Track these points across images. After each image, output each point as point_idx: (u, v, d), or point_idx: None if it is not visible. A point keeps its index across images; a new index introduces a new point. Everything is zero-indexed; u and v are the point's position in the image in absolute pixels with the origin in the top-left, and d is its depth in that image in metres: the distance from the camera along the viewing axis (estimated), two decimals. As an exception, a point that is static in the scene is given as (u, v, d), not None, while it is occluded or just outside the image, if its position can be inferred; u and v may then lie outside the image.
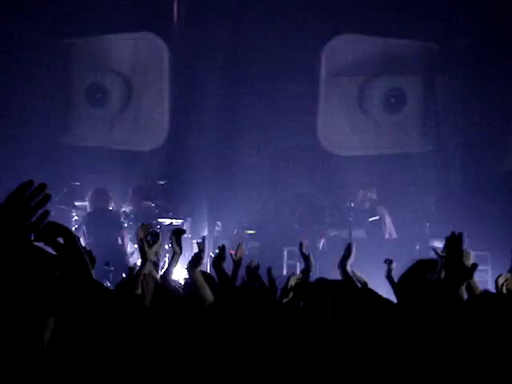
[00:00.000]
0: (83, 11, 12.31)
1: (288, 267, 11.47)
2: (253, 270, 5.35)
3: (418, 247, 11.25)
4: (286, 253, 11.73)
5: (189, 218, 12.18)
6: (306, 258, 5.61)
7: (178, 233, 5.18)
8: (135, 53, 13.41)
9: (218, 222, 11.93)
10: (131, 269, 5.01)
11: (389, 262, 5.41)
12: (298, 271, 10.93)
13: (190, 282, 4.41)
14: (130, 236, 11.17)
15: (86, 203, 11.90)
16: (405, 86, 13.10)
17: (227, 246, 5.39)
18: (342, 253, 5.52)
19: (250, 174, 12.42)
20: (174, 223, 11.91)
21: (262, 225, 12.19)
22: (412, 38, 12.80)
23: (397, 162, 12.77)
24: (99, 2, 12.28)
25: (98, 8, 12.31)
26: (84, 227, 10.99)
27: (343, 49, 13.00)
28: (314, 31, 12.40)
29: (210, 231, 12.08)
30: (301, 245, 5.76)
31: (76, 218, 11.87)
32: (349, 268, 5.32)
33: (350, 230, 11.34)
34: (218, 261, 4.94)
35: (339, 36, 12.81)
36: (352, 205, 11.63)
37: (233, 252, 5.51)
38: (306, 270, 5.47)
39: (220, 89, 12.83)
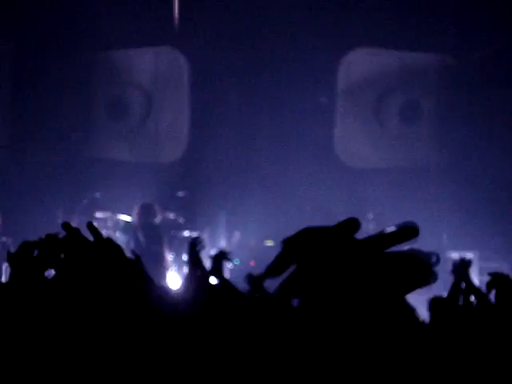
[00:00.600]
0: (104, 25, 12.47)
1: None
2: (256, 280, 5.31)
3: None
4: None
5: (207, 229, 12.29)
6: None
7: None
8: (155, 66, 13.56)
9: (237, 233, 12.03)
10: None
11: None
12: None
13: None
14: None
15: (108, 214, 12.07)
16: (421, 98, 13.15)
17: (246, 257, 5.48)
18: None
19: (268, 186, 12.50)
20: (192, 235, 12.03)
21: (281, 236, 12.23)
22: (428, 50, 12.85)
23: (413, 175, 12.80)
24: (119, 16, 12.43)
25: (119, 22, 12.47)
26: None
27: (360, 62, 13.06)
28: (331, 44, 12.47)
29: (228, 241, 12.18)
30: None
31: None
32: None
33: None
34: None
35: (356, 49, 12.88)
36: (371, 216, 11.66)
37: (252, 263, 5.59)
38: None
39: (238, 102, 12.95)
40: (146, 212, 11.42)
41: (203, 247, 5.20)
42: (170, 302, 3.83)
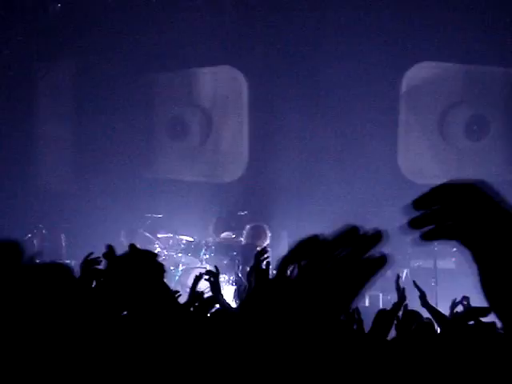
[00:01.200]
0: (164, 46, 12.56)
1: (370, 298, 11.30)
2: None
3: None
4: (367, 284, 11.54)
5: (269, 249, 12.16)
6: (399, 293, 5.34)
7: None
8: (215, 86, 13.59)
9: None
10: None
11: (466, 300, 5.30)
12: (381, 303, 10.78)
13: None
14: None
15: (169, 235, 12.09)
16: (487, 112, 12.83)
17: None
18: (426, 284, 5.39)
19: (330, 204, 12.34)
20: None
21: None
22: (494, 64, 12.55)
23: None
24: (179, 37, 12.51)
25: (178, 43, 12.55)
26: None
27: (423, 76, 12.85)
28: (394, 59, 12.31)
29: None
30: (397, 278, 5.55)
31: (159, 249, 12.04)
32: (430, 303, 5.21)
33: (435, 261, 11.09)
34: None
35: (419, 63, 12.68)
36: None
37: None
38: (398, 305, 5.21)
39: (299, 119, 12.84)
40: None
41: (268, 260, 5.04)
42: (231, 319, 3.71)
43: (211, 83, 13.58)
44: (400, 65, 12.61)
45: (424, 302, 5.34)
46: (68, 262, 10.97)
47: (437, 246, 11.27)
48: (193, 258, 11.94)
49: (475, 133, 12.86)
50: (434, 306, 5.30)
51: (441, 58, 12.58)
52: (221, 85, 13.55)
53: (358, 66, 12.35)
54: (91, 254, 4.44)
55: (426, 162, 13.00)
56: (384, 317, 4.43)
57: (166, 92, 13.75)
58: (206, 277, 5.29)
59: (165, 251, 12.05)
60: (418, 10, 12.26)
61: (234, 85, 13.45)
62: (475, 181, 1.35)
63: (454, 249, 11.54)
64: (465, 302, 5.34)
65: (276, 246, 12.39)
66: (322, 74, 12.80)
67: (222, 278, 11.38)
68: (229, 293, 11.08)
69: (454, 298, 5.71)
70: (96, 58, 13.03)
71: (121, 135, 13.06)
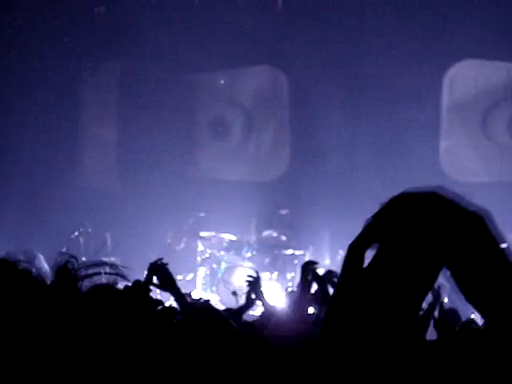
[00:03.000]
0: (205, 47, 12.67)
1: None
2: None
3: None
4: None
5: (311, 247, 12.21)
6: (434, 292, 5.20)
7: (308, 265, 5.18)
8: (256, 85, 13.66)
9: (341, 251, 11.88)
10: None
11: None
12: (424, 302, 10.77)
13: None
14: None
15: (212, 233, 12.20)
16: (530, 110, 12.72)
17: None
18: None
19: (371, 202, 12.20)
20: (295, 253, 11.99)
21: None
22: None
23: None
24: (220, 38, 12.60)
25: (219, 43, 12.65)
26: None
27: (466, 74, 12.76)
28: (436, 57, 12.25)
29: (332, 260, 12.05)
30: None
31: (202, 248, 12.15)
32: None
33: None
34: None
35: (461, 62, 12.59)
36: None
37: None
38: (433, 305, 5.18)
39: (340, 117, 12.84)
40: None
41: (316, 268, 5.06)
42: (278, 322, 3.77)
43: (252, 83, 13.66)
44: (442, 62, 12.54)
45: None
46: (113, 259, 11.16)
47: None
48: (235, 257, 12.02)
49: (518, 130, 12.73)
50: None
51: (483, 55, 12.47)
52: (262, 84, 13.62)
53: (400, 63, 12.30)
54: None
55: (468, 159, 12.90)
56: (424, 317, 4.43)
57: (207, 92, 13.88)
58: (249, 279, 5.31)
59: (208, 250, 12.15)
60: (461, 7, 12.18)
61: (274, 84, 13.51)
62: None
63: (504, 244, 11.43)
64: None
65: (318, 245, 12.43)
66: (363, 72, 12.79)
67: (264, 275, 11.46)
68: (270, 290, 11.18)
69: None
70: (139, 59, 13.20)
71: (164, 135, 13.19)
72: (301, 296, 4.96)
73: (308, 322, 4.72)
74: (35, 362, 2.07)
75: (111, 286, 2.41)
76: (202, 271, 11.99)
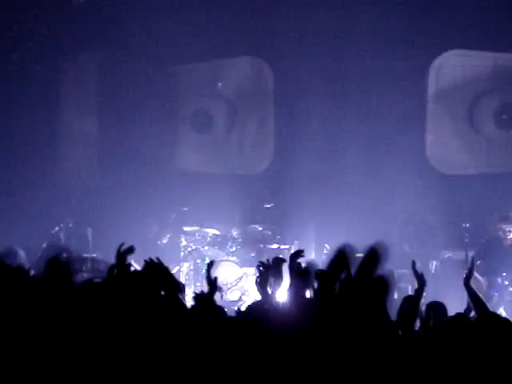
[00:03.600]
0: (187, 38, 12.52)
1: (399, 290, 11.18)
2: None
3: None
4: (396, 275, 11.44)
5: (296, 242, 12.10)
6: (418, 277, 5.26)
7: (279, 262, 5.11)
8: (239, 77, 13.53)
9: (327, 245, 11.78)
10: None
11: None
12: (410, 294, 10.65)
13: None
14: None
15: (196, 228, 12.09)
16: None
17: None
18: (456, 275, 5.29)
19: (357, 196, 12.25)
20: (281, 247, 11.88)
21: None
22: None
23: (509, 181, 12.30)
24: (202, 29, 12.46)
25: (202, 34, 12.51)
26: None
27: (452, 65, 12.72)
28: (422, 48, 12.18)
29: (318, 254, 11.95)
30: (413, 263, 5.47)
31: (185, 243, 12.03)
32: (473, 286, 5.13)
33: (467, 252, 10.93)
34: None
35: (448, 52, 12.54)
36: (467, 225, 11.25)
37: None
38: (420, 290, 5.18)
39: (324, 110, 12.74)
40: None
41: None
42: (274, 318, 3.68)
43: (235, 74, 13.53)
44: (428, 53, 12.51)
45: (467, 282, 5.24)
46: (94, 255, 10.98)
47: (467, 238, 11.14)
48: (219, 251, 11.92)
49: (504, 122, 12.68)
50: (475, 290, 5.19)
51: (469, 46, 12.44)
52: (245, 76, 13.49)
53: (385, 54, 12.24)
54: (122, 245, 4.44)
55: (454, 151, 12.86)
56: (409, 304, 4.36)
57: (190, 84, 13.73)
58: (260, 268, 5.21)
59: (191, 244, 12.03)
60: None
61: (258, 76, 13.39)
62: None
63: (487, 237, 11.37)
64: None
65: (303, 239, 12.33)
66: (348, 64, 12.69)
67: (249, 270, 11.34)
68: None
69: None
70: (120, 51, 13.04)
71: (146, 128, 13.05)
72: (293, 286, 4.89)
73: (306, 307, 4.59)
74: (37, 356, 1.97)
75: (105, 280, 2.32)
76: (186, 267, 11.87)
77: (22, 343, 2.08)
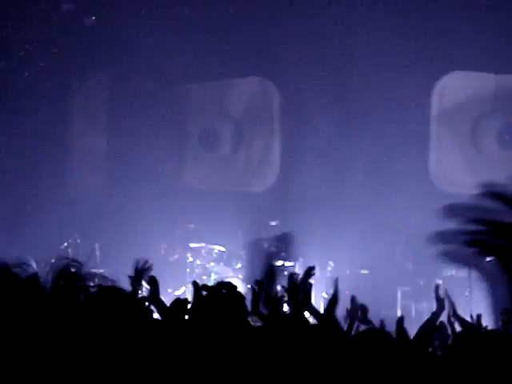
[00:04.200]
0: (194, 58, 12.67)
1: (402, 307, 11.28)
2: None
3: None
4: (399, 293, 11.54)
5: (301, 258, 12.18)
6: (440, 301, 5.27)
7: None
8: (245, 96, 13.66)
9: (330, 262, 11.87)
10: None
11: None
12: (414, 312, 10.76)
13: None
14: None
15: (202, 244, 12.17)
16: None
17: (341, 287, 5.32)
18: (460, 294, 5.36)
19: (360, 214, 12.32)
20: (285, 264, 11.96)
21: (375, 264, 12.05)
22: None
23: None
24: (210, 49, 12.60)
25: (209, 54, 12.65)
26: None
27: (455, 86, 12.80)
28: (426, 68, 12.29)
29: (322, 271, 12.03)
30: (437, 287, 5.48)
31: (191, 259, 12.11)
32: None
33: (470, 270, 11.00)
34: (333, 304, 4.91)
35: (451, 73, 12.64)
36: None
37: (348, 292, 5.45)
38: (437, 314, 5.13)
39: (329, 128, 12.86)
40: None
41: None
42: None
43: (242, 94, 13.66)
44: (431, 74, 12.58)
45: (454, 312, 5.29)
46: (102, 271, 11.07)
47: (470, 256, 11.21)
48: (225, 268, 11.99)
49: (507, 142, 12.77)
50: (463, 317, 5.24)
51: (472, 67, 12.52)
52: (251, 95, 13.62)
53: (389, 75, 12.32)
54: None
55: (457, 171, 12.92)
56: (427, 328, 4.43)
57: (197, 103, 13.87)
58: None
59: (197, 261, 12.11)
60: (450, 20, 12.24)
61: (264, 95, 13.51)
62: None
63: (489, 258, 11.46)
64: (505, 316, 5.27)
65: (308, 256, 12.41)
66: (352, 84, 12.81)
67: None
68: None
69: (488, 308, 5.63)
70: (129, 70, 13.18)
71: (154, 146, 13.18)
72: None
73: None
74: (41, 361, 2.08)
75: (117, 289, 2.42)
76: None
77: (28, 350, 2.19)
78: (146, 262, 4.69)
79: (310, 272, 5.05)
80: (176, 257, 12.23)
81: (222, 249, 12.24)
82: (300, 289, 4.79)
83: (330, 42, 12.66)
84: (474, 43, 12.02)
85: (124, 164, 13.33)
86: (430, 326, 4.71)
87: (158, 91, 13.30)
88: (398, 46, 12.23)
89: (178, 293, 11.81)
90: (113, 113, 13.82)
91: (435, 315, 5.09)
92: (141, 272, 4.58)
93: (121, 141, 13.33)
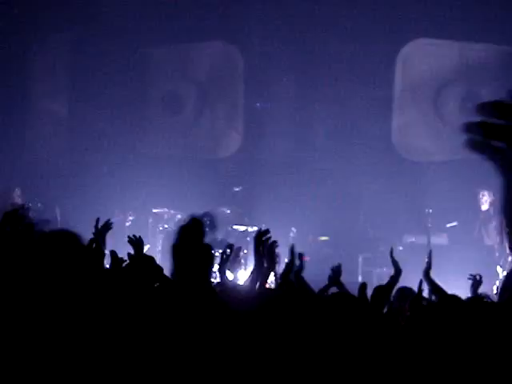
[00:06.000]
0: (158, 22, 12.53)
1: (363, 274, 11.40)
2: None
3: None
4: (360, 259, 11.65)
5: (263, 225, 12.22)
6: (395, 265, 5.31)
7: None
8: (210, 61, 13.57)
9: (293, 229, 11.93)
10: None
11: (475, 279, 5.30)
12: (374, 278, 10.86)
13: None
14: None
15: (164, 209, 12.16)
16: (482, 90, 12.84)
17: (301, 253, 5.35)
18: (419, 260, 5.41)
19: (323, 181, 12.38)
20: (249, 230, 12.01)
21: (336, 231, 12.14)
22: (489, 42, 12.54)
23: (473, 168, 12.48)
24: (174, 12, 12.47)
25: (173, 18, 12.52)
26: None
27: (419, 53, 12.84)
28: (390, 36, 12.30)
29: (285, 238, 12.09)
30: (391, 250, 5.47)
31: (154, 224, 12.09)
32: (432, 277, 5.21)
33: (429, 237, 11.16)
34: (299, 271, 4.96)
35: (415, 40, 12.66)
36: (430, 211, 11.46)
37: (308, 258, 5.50)
38: (395, 277, 5.18)
39: (293, 95, 12.86)
40: None
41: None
42: (236, 297, 3.80)
43: (206, 58, 13.56)
44: (395, 41, 12.58)
45: (427, 274, 5.31)
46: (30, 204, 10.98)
47: (430, 223, 11.36)
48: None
49: (469, 110, 12.86)
50: (435, 280, 5.27)
51: (436, 34, 12.56)
52: (216, 60, 13.53)
53: (353, 42, 12.35)
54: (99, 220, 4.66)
55: (420, 139, 13.03)
56: (382, 291, 4.47)
57: (160, 67, 13.74)
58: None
59: (159, 226, 12.11)
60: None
61: (228, 60, 13.43)
62: None
63: (447, 225, 11.62)
64: (477, 277, 5.32)
65: (271, 222, 12.44)
66: (317, 50, 12.80)
67: (216, 253, 11.44)
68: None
69: (448, 273, 5.69)
70: (90, 34, 13.00)
71: (115, 110, 13.07)
72: (256, 268, 4.97)
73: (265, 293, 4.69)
74: None
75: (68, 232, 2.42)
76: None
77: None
78: (108, 220, 4.89)
79: (263, 234, 5.11)
80: (128, 223, 12.21)
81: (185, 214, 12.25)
82: (255, 251, 4.84)
83: (295, 7, 12.59)
84: (439, 10, 12.06)
85: (85, 128, 13.20)
86: (388, 290, 4.76)
87: (120, 55, 13.14)
88: (363, 11, 12.24)
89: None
90: (73, 76, 13.65)
91: (394, 278, 5.13)
92: (101, 230, 4.77)
93: (82, 104, 13.19)
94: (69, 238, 2.44)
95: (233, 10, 12.71)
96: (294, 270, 4.95)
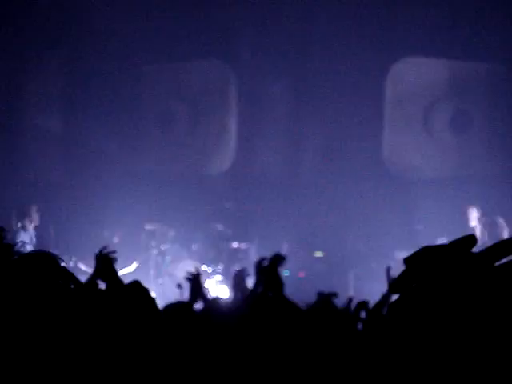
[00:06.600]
0: (151, 40, 12.63)
1: (355, 289, 11.47)
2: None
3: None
4: (352, 275, 11.73)
5: (256, 240, 12.30)
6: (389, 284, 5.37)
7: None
8: (202, 79, 13.67)
9: (285, 244, 12.00)
10: None
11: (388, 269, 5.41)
12: (366, 293, 10.91)
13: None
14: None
15: (157, 226, 12.19)
16: (471, 107, 12.99)
17: (295, 268, 5.40)
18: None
19: (315, 197, 12.47)
20: (240, 246, 12.08)
21: (328, 247, 12.21)
22: (477, 59, 12.68)
23: (461, 185, 12.58)
24: (166, 32, 12.58)
25: (167, 36, 12.63)
26: None
27: (408, 71, 12.96)
28: (380, 53, 12.42)
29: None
30: (388, 269, 5.49)
31: (146, 241, 12.12)
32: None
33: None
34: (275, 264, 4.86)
35: (404, 59, 12.79)
36: (422, 227, 11.55)
37: (302, 274, 5.54)
38: (387, 295, 5.24)
39: (285, 112, 12.97)
40: None
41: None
42: (219, 313, 3.86)
43: (199, 76, 13.66)
44: (385, 58, 12.69)
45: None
46: (57, 251, 11.02)
47: (420, 238, 11.45)
48: (180, 249, 12.04)
49: (458, 127, 12.99)
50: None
51: (425, 53, 12.69)
52: (208, 78, 13.62)
53: (343, 58, 12.45)
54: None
55: (409, 155, 13.12)
56: (374, 311, 4.50)
57: (154, 85, 13.83)
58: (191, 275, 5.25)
59: (152, 242, 12.13)
60: (404, 5, 12.39)
61: (221, 78, 13.53)
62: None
63: (441, 239, 11.71)
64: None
65: (263, 238, 12.52)
66: (308, 69, 12.92)
67: (207, 269, 11.50)
68: (215, 283, 11.25)
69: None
70: (86, 51, 13.08)
71: (109, 126, 13.13)
72: (252, 293, 4.94)
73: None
74: None
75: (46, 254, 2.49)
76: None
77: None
78: (104, 248, 4.60)
79: (277, 260, 4.91)
80: (117, 241, 12.19)
81: (177, 231, 12.29)
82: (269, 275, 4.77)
83: (286, 25, 12.72)
84: (427, 29, 12.20)
85: (79, 144, 13.25)
86: (380, 308, 4.81)
87: (115, 72, 13.22)
88: (353, 30, 12.35)
89: (132, 269, 11.79)
90: (68, 93, 13.71)
91: (385, 297, 5.17)
92: (106, 261, 4.49)
93: (77, 121, 13.25)
94: (46, 260, 2.51)
95: (224, 28, 12.83)
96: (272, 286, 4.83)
